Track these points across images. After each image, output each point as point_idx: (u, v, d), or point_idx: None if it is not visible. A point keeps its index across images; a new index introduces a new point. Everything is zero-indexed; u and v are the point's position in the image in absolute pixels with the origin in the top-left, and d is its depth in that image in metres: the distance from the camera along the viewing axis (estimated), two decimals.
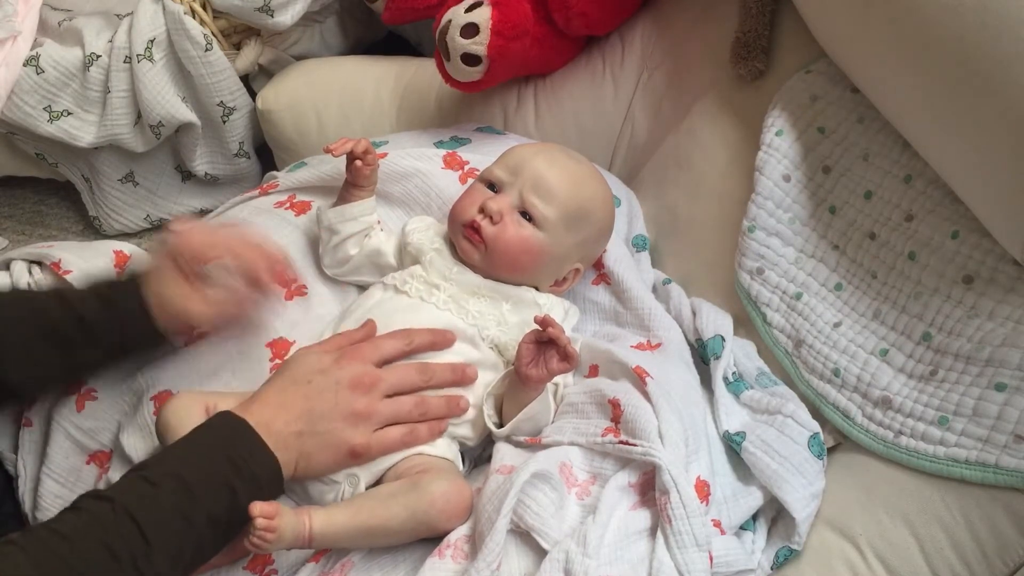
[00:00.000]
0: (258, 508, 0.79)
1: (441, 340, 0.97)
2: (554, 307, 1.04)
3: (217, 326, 0.98)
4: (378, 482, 0.92)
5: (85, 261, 1.10)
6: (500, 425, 0.96)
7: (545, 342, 0.92)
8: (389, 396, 0.92)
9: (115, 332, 0.93)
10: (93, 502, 0.77)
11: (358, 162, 1.04)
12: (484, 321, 1.00)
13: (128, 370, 1.01)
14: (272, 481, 0.85)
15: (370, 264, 1.09)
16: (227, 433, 0.84)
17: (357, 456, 0.90)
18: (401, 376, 0.93)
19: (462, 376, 0.97)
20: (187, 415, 0.87)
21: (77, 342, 0.91)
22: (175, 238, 0.94)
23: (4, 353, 0.90)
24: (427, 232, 1.07)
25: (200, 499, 0.79)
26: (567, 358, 0.92)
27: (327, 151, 1.02)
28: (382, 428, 0.91)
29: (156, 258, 0.95)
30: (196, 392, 0.93)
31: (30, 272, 1.12)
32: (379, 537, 0.87)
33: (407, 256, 1.07)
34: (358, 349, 0.93)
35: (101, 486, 0.97)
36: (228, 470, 0.81)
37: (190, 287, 0.93)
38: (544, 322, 0.91)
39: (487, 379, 0.99)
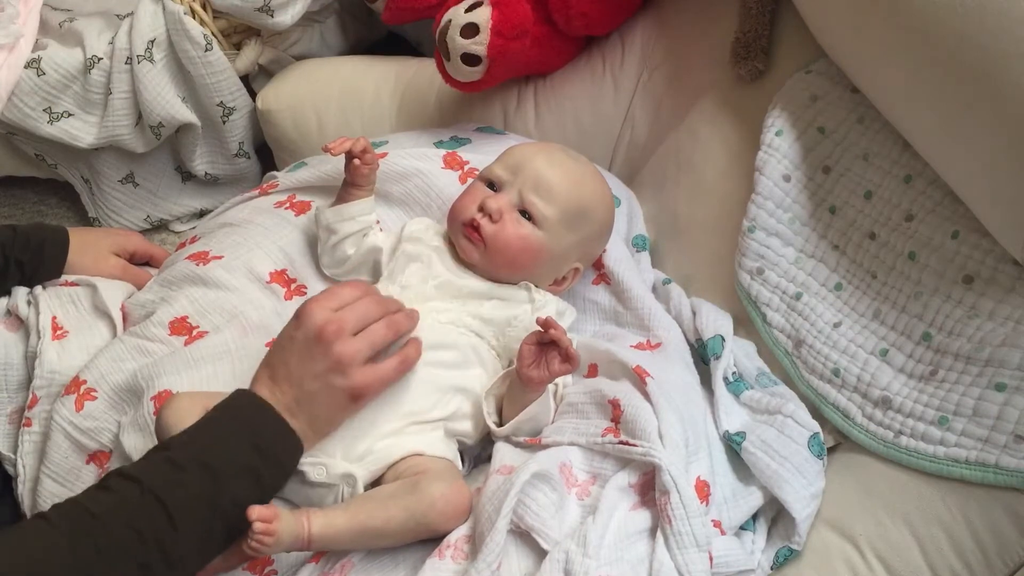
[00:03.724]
0: (256, 512, 0.79)
1: (407, 319, 0.94)
2: (548, 305, 1.03)
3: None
4: (376, 482, 0.92)
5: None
6: (499, 424, 0.96)
7: (547, 343, 0.92)
8: (357, 333, 0.90)
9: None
10: (121, 482, 0.79)
11: (356, 161, 1.04)
12: (479, 323, 1.00)
13: (128, 370, 1.01)
14: (293, 458, 0.87)
15: (368, 264, 1.09)
16: (249, 415, 0.86)
17: (360, 397, 0.89)
18: (361, 312, 0.90)
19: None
20: (187, 415, 0.87)
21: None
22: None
23: None
24: (426, 233, 1.07)
25: (225, 485, 0.81)
26: (569, 359, 0.92)
27: (326, 150, 1.02)
28: (371, 364, 0.90)
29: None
30: (195, 393, 0.93)
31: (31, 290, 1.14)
32: (378, 539, 0.87)
33: (402, 257, 1.06)
34: (313, 301, 0.90)
35: None
36: (252, 455, 0.83)
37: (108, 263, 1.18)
38: (546, 324, 0.91)
39: (485, 380, 0.99)
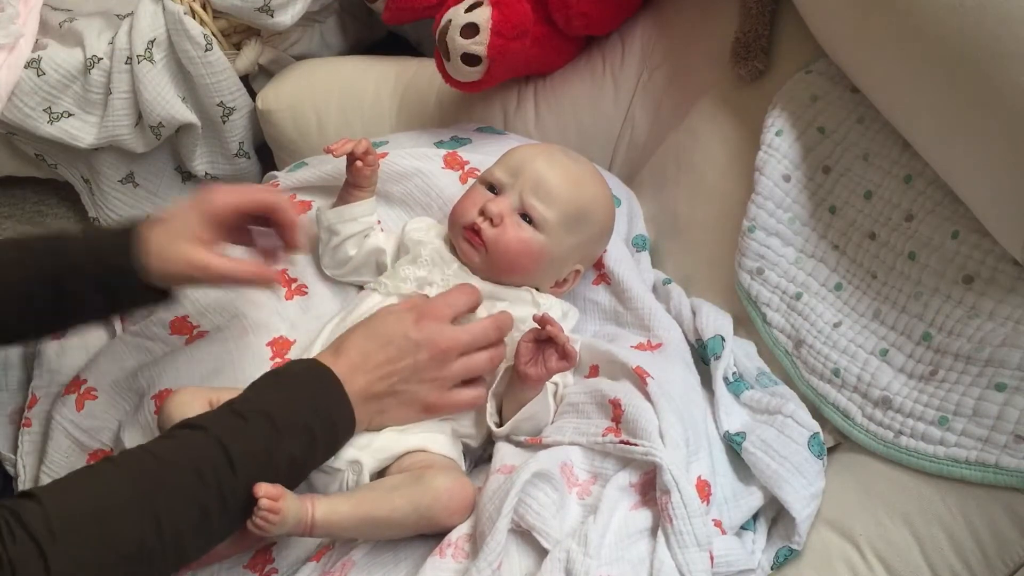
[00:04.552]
0: (263, 489, 0.80)
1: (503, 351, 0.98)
2: (552, 307, 1.03)
3: (216, 284, 0.95)
4: (381, 473, 0.92)
5: None
6: (500, 424, 0.97)
7: (544, 340, 0.92)
8: (464, 354, 0.93)
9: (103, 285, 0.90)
10: (186, 431, 0.82)
11: (358, 162, 1.04)
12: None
13: (129, 369, 1.01)
14: (346, 432, 0.89)
15: (370, 265, 1.09)
16: (313, 380, 0.88)
17: (430, 411, 0.93)
18: (479, 336, 0.94)
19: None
20: (189, 410, 0.87)
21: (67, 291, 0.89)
22: (206, 189, 0.92)
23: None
24: (427, 233, 1.07)
25: (284, 439, 0.83)
26: (566, 356, 0.92)
27: (328, 151, 1.02)
28: (456, 387, 0.94)
29: (174, 211, 0.91)
30: (198, 388, 0.93)
31: None
32: (381, 529, 0.87)
33: (403, 253, 1.06)
34: (433, 307, 0.94)
35: None
36: (311, 416, 0.85)
37: (200, 242, 0.89)
38: (543, 320, 0.91)
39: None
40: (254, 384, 0.87)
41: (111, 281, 0.89)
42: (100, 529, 0.73)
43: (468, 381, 0.95)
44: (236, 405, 0.84)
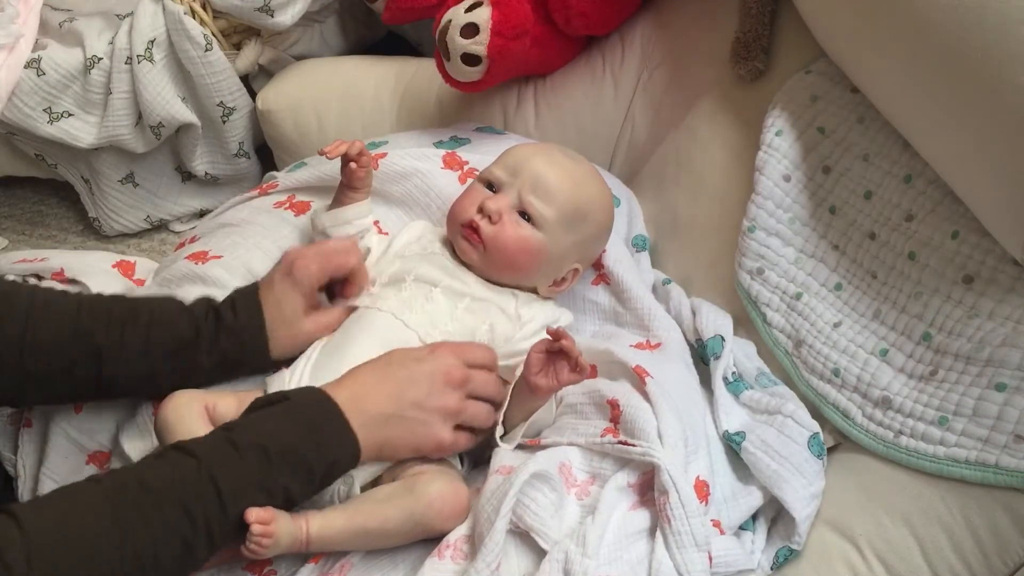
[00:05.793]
0: (254, 514, 0.79)
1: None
2: (535, 319, 1.02)
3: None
4: (374, 483, 0.92)
5: (88, 266, 1.13)
6: (504, 433, 0.96)
7: (555, 352, 0.92)
8: (471, 397, 0.93)
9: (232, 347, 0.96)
10: (179, 456, 0.80)
11: (352, 165, 1.04)
12: (470, 332, 0.99)
13: None
14: (347, 465, 0.87)
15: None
16: (314, 411, 0.86)
17: (441, 450, 0.91)
18: (485, 384, 0.94)
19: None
20: (186, 413, 0.87)
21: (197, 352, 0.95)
22: (297, 267, 0.98)
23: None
24: (419, 241, 1.07)
25: (280, 474, 0.81)
26: (578, 370, 0.91)
27: (322, 154, 1.02)
28: (457, 429, 0.92)
29: (275, 281, 0.99)
30: (195, 391, 0.93)
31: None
32: (377, 539, 0.87)
33: (392, 264, 1.05)
34: (449, 344, 0.94)
35: None
36: (310, 450, 0.83)
37: (312, 310, 0.99)
38: (556, 334, 0.90)
39: None
40: (253, 411, 0.85)
41: (239, 371, 0.98)
42: (78, 558, 0.72)
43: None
44: (232, 434, 0.82)
